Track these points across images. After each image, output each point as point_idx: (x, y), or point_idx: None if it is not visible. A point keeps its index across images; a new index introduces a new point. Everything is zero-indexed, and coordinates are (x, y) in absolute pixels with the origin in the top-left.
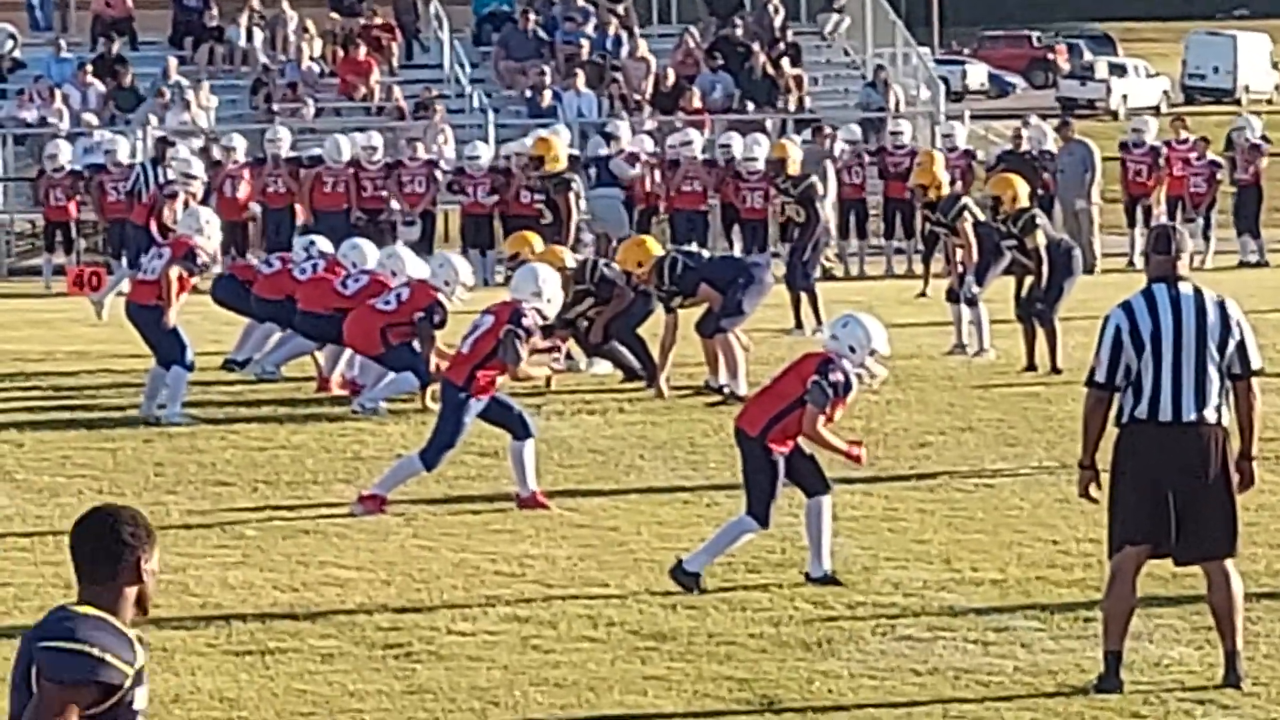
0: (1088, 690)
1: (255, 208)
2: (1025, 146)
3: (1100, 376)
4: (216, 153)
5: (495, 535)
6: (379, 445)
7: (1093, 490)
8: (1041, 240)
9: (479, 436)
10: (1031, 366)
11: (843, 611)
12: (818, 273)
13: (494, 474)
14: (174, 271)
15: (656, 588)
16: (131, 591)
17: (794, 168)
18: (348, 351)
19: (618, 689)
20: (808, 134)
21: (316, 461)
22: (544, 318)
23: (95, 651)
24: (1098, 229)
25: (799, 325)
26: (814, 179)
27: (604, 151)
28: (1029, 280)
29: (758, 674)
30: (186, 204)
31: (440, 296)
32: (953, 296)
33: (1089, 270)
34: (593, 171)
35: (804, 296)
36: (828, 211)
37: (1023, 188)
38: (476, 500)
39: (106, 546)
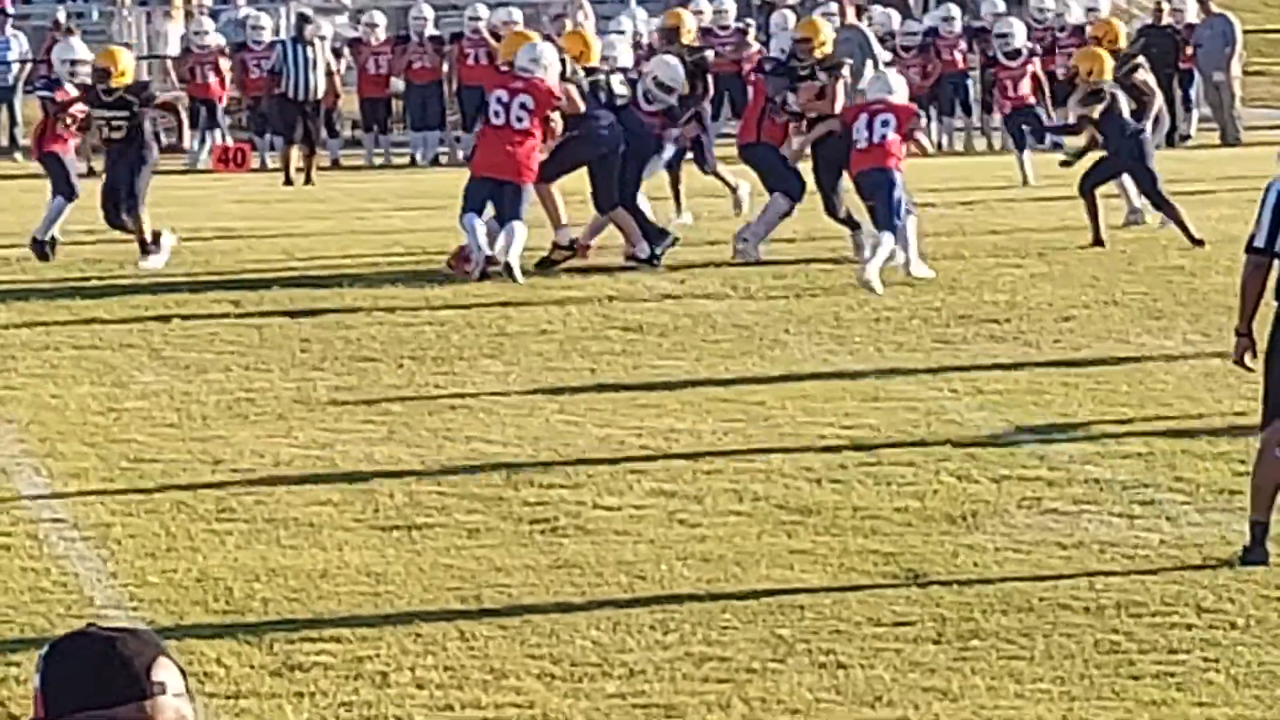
0: (1233, 563)
1: (398, 84)
2: (1166, 20)
3: (1260, 241)
4: (358, 30)
5: (641, 410)
6: (524, 321)
7: (1247, 359)
8: (1097, 114)
9: (624, 312)
10: (1098, 241)
11: (988, 485)
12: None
13: (638, 349)
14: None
15: (803, 462)
16: None
17: (825, 49)
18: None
19: (764, 563)
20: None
21: (462, 337)
22: None
23: None
24: (1239, 102)
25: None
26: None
27: None
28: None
29: (903, 548)
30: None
31: None
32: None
33: (1232, 143)
34: None
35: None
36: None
37: (1108, 64)
38: (621, 375)
39: None
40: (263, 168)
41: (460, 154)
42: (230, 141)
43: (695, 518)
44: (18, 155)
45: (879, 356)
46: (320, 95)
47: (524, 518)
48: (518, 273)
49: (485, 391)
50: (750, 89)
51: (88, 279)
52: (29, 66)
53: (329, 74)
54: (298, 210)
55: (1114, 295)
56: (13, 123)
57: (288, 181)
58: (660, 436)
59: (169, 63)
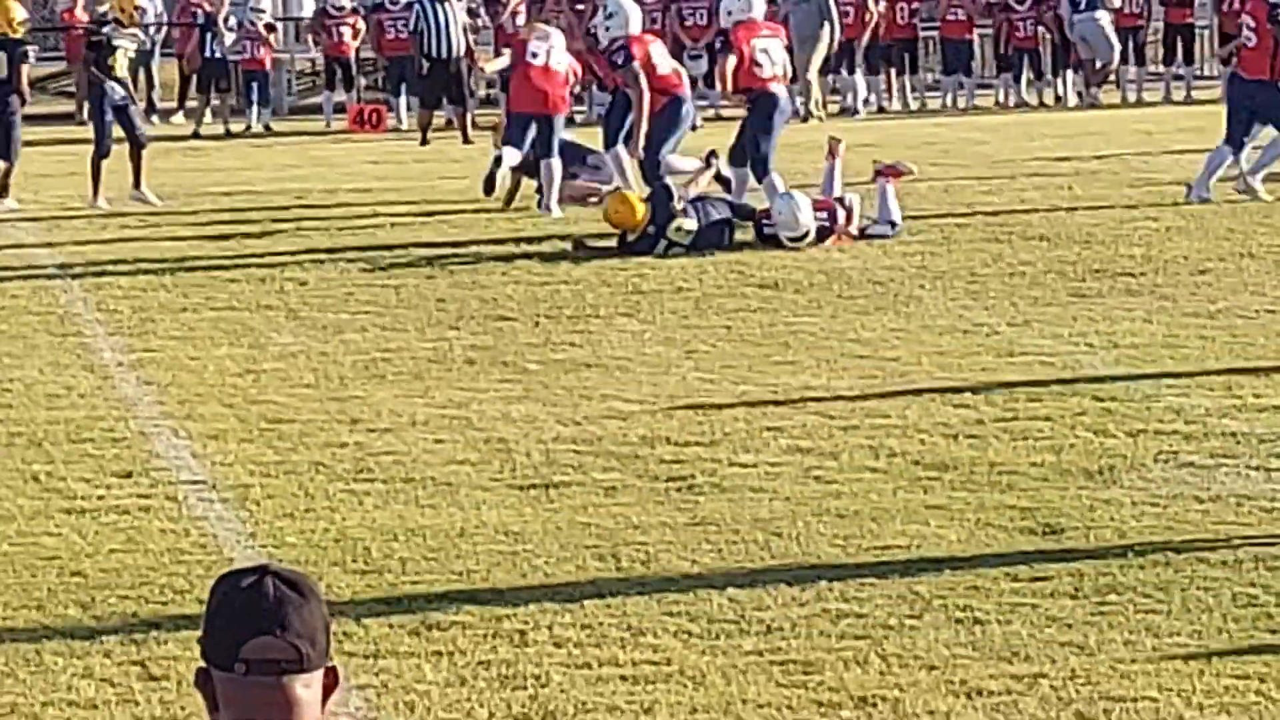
0: None
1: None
2: None
3: None
4: None
5: (776, 367)
6: (659, 279)
7: None
8: None
9: (760, 268)
10: None
11: (1124, 439)
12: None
13: (774, 305)
14: None
15: (938, 418)
16: None
17: None
18: None
19: (900, 519)
20: None
21: (597, 296)
22: None
23: None
24: None
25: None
26: None
27: None
28: None
29: (1039, 502)
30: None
31: None
32: None
33: None
34: None
35: None
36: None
37: None
38: (757, 332)
39: None
40: (398, 128)
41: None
42: (364, 102)
43: (830, 474)
44: (154, 118)
45: (1014, 311)
46: (461, 53)
47: (660, 475)
48: (555, 209)
49: (621, 350)
50: None
51: (226, 240)
52: (164, 30)
53: (465, 32)
54: (433, 170)
55: (1250, 248)
56: (150, 85)
57: (424, 142)
58: (795, 393)
59: (302, 24)
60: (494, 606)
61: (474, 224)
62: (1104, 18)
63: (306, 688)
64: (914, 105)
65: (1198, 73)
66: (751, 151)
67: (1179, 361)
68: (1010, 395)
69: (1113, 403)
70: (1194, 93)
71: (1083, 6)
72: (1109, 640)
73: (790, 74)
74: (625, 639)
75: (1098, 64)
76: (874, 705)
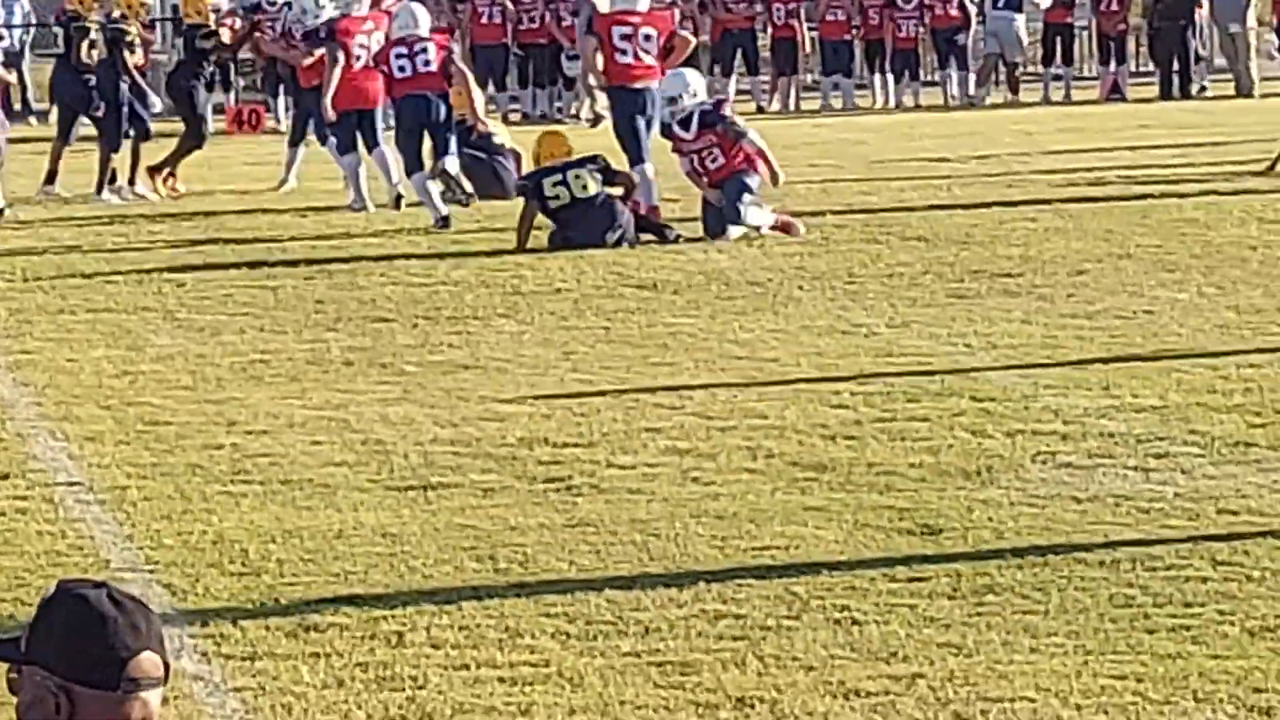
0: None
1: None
2: None
3: None
4: None
5: (654, 368)
6: (538, 280)
7: None
8: None
9: (638, 269)
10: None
11: (1002, 440)
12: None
13: (652, 306)
14: None
15: (816, 419)
16: None
17: None
18: None
19: (778, 520)
20: None
21: (476, 297)
22: None
23: None
24: (1254, 53)
25: None
26: None
27: None
28: None
29: (917, 503)
30: None
31: None
32: None
33: (1247, 94)
34: None
35: None
36: None
37: None
38: (635, 333)
39: None
40: (277, 129)
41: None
42: (243, 103)
43: (709, 475)
44: (32, 119)
45: (892, 311)
46: None
47: (538, 477)
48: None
49: (499, 351)
50: None
51: (103, 241)
52: (32, 31)
53: None
54: (311, 171)
55: (1127, 249)
56: (23, 86)
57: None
58: (674, 394)
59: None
60: (371, 608)
61: (352, 224)
62: (1019, 19)
63: (160, 697)
64: (793, 106)
65: (1076, 73)
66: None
67: (1057, 362)
68: (888, 396)
69: (991, 403)
70: (1073, 93)
71: (1000, 5)
72: (986, 640)
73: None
74: (503, 640)
75: (1010, 62)
76: (751, 706)
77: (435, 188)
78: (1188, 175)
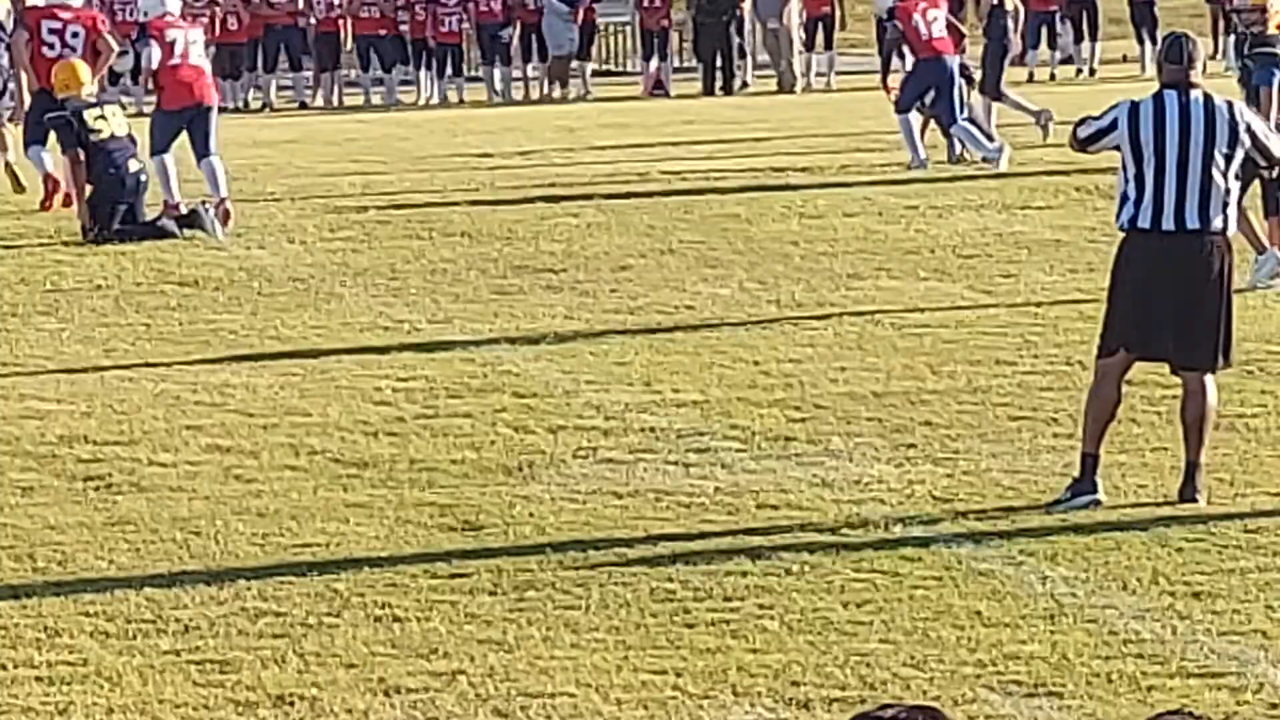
0: (1048, 506)
1: None
2: None
3: (1082, 134)
4: None
5: (196, 365)
6: (78, 277)
7: None
8: None
9: (179, 266)
10: None
11: (544, 435)
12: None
13: (194, 303)
14: None
15: (359, 415)
16: None
17: None
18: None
19: (319, 517)
20: None
21: (15, 294)
22: None
23: None
24: (797, 48)
25: None
26: None
27: None
28: None
29: (459, 499)
30: None
31: None
32: None
33: (790, 90)
34: None
35: None
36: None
37: None
38: (176, 330)
39: None
40: None
41: None
42: None
43: (251, 473)
44: None
45: (435, 308)
46: None
47: (78, 475)
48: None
49: (39, 349)
50: None
51: None
52: None
53: None
54: None
55: (670, 244)
56: None
57: None
58: (216, 392)
59: None
60: None
61: None
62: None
63: None
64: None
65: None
66: None
67: (599, 357)
68: (431, 392)
69: (533, 399)
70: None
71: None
72: (528, 637)
73: None
74: (40, 639)
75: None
76: (291, 704)
77: None
78: (730, 171)
